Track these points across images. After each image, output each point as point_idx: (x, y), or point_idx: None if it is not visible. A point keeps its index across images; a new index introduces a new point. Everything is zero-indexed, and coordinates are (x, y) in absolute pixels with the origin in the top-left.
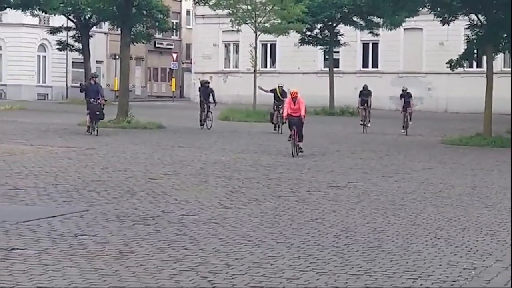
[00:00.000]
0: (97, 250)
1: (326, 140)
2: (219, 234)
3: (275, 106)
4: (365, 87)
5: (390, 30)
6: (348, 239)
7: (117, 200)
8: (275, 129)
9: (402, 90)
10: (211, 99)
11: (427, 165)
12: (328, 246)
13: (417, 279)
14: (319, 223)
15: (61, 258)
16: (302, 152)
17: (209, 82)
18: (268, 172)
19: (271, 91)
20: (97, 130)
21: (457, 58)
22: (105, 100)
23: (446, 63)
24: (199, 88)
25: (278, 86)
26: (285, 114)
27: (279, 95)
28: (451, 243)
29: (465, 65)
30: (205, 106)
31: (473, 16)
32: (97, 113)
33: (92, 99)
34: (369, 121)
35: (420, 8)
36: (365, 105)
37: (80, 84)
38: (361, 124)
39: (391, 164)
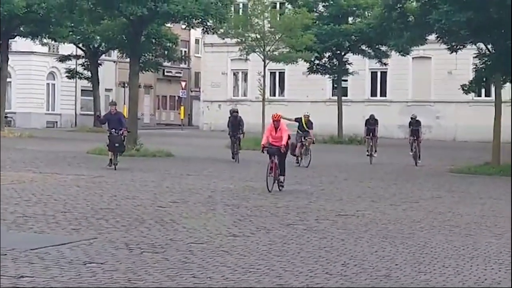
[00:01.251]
0: (105, 278)
1: (334, 168)
2: (227, 262)
3: (299, 137)
4: (371, 117)
5: (397, 52)
6: (357, 267)
7: (126, 228)
8: (297, 162)
9: (411, 117)
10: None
11: (435, 193)
12: (336, 274)
13: None
14: (327, 251)
15: (69, 286)
16: (283, 187)
17: (237, 111)
18: (277, 200)
19: (296, 120)
20: (116, 164)
21: (470, 84)
22: (128, 131)
23: (461, 86)
24: (229, 117)
25: (304, 115)
26: (263, 142)
27: (304, 124)
28: (459, 272)
29: (477, 91)
30: (236, 138)
31: (481, 45)
32: (117, 145)
33: (114, 130)
34: (375, 151)
35: (428, 35)
36: (371, 134)
37: (98, 116)
38: (367, 155)
39: (400, 192)
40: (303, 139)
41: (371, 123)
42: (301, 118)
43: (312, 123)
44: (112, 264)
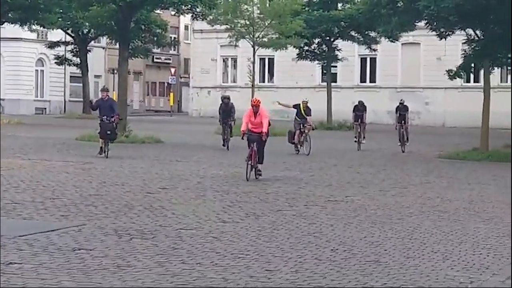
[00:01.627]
0: (94, 264)
1: (323, 154)
2: (216, 248)
3: (297, 124)
4: (360, 103)
5: (387, 38)
6: (346, 253)
7: (115, 214)
8: (296, 149)
9: (400, 102)
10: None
11: (424, 179)
12: (325, 260)
13: None
14: (316, 237)
15: (58, 272)
16: (260, 175)
17: (229, 98)
18: (266, 187)
19: (294, 106)
20: (107, 152)
21: (457, 69)
22: (120, 119)
23: (446, 71)
24: (220, 104)
25: (303, 102)
26: (243, 128)
27: (302, 111)
28: (448, 257)
29: (463, 76)
30: (227, 125)
31: (470, 31)
32: (108, 132)
33: (105, 117)
34: (364, 137)
35: (417, 22)
36: (359, 120)
37: (90, 101)
38: (355, 141)
39: (389, 178)
40: (301, 126)
41: (360, 109)
42: (299, 104)
43: (310, 109)
44: (101, 250)
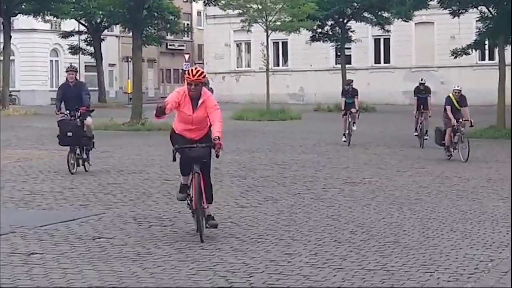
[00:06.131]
0: (115, 253)
1: (340, 136)
2: (235, 233)
3: (448, 120)
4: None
5: (400, 18)
6: (364, 234)
7: (134, 202)
8: (448, 154)
9: (420, 83)
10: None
11: (441, 158)
12: (344, 242)
13: (433, 272)
14: (335, 219)
15: (79, 261)
16: (215, 226)
17: (206, 83)
18: (283, 170)
19: (447, 103)
20: (83, 163)
21: (462, 47)
22: (91, 111)
23: (451, 51)
24: None
25: (454, 91)
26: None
27: (456, 103)
28: (467, 236)
29: (471, 53)
30: None
31: (483, 8)
32: (69, 134)
33: (69, 112)
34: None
35: (430, 1)
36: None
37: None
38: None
39: (406, 159)
40: (456, 123)
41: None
42: (448, 96)
43: (465, 97)
44: (121, 238)
